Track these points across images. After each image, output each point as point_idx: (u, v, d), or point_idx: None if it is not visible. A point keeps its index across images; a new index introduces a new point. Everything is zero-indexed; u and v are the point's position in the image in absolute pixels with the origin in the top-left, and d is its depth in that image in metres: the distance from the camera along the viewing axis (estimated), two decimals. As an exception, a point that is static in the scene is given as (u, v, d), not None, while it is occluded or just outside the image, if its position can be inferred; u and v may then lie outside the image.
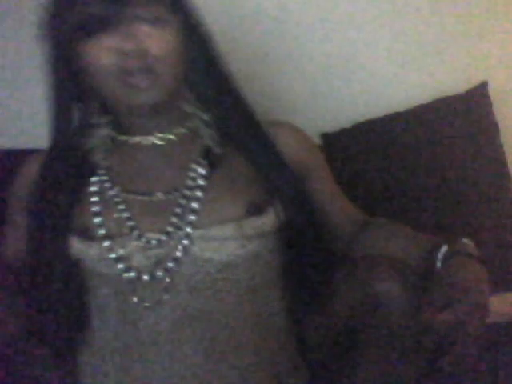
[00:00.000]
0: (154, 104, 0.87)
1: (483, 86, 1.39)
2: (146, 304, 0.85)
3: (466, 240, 0.88)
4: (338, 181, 1.03)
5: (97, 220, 0.88)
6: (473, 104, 1.38)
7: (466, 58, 1.44)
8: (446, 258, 0.85)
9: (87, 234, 0.88)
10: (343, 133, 1.40)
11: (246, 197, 0.89)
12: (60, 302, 0.89)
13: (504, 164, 1.36)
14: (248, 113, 0.95)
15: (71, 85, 0.90)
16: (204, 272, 0.86)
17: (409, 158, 1.34)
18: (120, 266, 0.86)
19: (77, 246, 0.88)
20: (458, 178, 1.33)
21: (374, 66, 1.44)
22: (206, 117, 0.92)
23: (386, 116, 1.39)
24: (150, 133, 0.92)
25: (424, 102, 1.39)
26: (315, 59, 1.44)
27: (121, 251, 0.86)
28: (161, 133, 0.92)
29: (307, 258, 0.94)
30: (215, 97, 0.93)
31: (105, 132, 0.92)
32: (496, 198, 1.32)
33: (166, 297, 0.85)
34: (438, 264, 0.86)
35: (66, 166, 0.93)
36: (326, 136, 1.41)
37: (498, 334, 1.14)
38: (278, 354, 0.91)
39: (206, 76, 0.92)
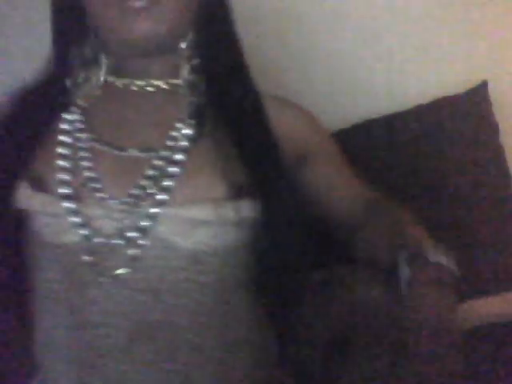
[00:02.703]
0: (152, 37, 0.75)
1: (483, 86, 1.39)
2: (101, 279, 0.71)
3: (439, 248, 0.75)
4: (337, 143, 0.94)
5: (61, 163, 0.75)
6: (473, 104, 1.37)
7: (466, 58, 1.44)
8: (410, 283, 0.72)
9: (41, 181, 0.74)
10: (343, 133, 1.40)
11: (227, 175, 0.75)
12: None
13: (504, 164, 1.35)
14: (246, 77, 0.85)
15: (72, 21, 0.80)
16: (166, 267, 0.72)
17: (409, 158, 1.34)
18: (73, 219, 0.71)
19: (26, 195, 0.74)
20: (458, 177, 1.33)
21: (374, 66, 1.44)
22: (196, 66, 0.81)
23: (385, 116, 1.39)
24: (141, 78, 0.81)
25: (424, 102, 1.38)
26: (315, 59, 1.44)
27: (78, 209, 0.72)
28: (154, 79, 0.81)
29: (284, 258, 0.80)
30: (220, 53, 0.83)
31: (93, 71, 0.81)
32: (496, 198, 1.32)
33: (127, 278, 0.71)
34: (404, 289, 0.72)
35: (36, 103, 0.81)
36: (325, 136, 1.41)
37: (497, 333, 1.14)
38: (251, 372, 0.79)
39: (215, 26, 0.82)
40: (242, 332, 0.78)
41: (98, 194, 0.73)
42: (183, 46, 0.81)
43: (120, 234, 0.72)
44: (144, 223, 0.72)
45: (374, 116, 1.39)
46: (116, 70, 0.83)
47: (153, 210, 0.72)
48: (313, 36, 1.43)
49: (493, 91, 1.38)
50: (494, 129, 1.36)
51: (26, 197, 0.74)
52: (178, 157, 0.75)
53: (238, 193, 0.75)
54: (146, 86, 0.81)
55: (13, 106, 0.82)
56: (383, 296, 0.76)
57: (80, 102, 0.80)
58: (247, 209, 0.75)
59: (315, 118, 0.90)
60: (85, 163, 0.75)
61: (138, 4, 0.73)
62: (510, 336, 1.15)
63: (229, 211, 0.73)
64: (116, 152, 0.76)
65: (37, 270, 0.77)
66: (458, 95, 1.38)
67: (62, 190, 0.73)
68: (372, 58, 1.44)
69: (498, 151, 1.35)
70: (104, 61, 0.82)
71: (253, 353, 0.80)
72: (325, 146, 0.90)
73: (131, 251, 0.72)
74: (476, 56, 1.44)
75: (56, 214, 0.73)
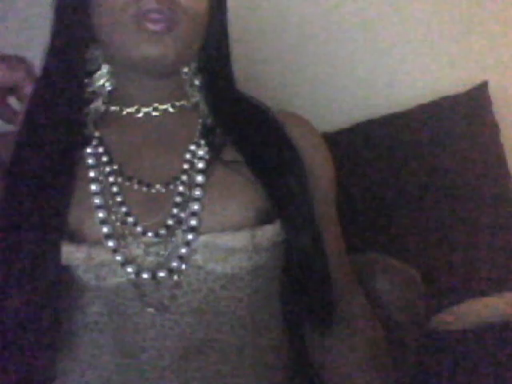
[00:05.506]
0: (166, 62, 0.74)
1: (483, 86, 1.39)
2: (150, 310, 0.72)
3: None
4: (337, 181, 0.90)
5: (97, 201, 0.72)
6: (473, 104, 1.38)
7: (466, 58, 1.44)
8: None
9: (79, 229, 0.72)
10: (343, 133, 1.40)
11: (254, 200, 0.76)
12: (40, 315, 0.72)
13: (504, 164, 1.36)
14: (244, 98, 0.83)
15: (79, 31, 0.77)
16: (207, 289, 0.74)
17: (409, 158, 1.34)
18: (128, 269, 0.70)
19: (68, 251, 0.71)
20: (458, 178, 1.33)
21: (374, 66, 1.45)
22: (200, 86, 0.80)
23: (385, 116, 1.39)
24: (146, 104, 0.80)
25: (424, 102, 1.39)
26: (315, 59, 1.44)
27: (123, 248, 0.71)
28: (159, 104, 0.80)
29: (307, 272, 0.82)
30: (217, 76, 0.82)
31: (96, 102, 0.78)
32: (496, 198, 1.32)
33: (172, 304, 0.72)
34: None
35: (46, 137, 0.76)
36: (325, 136, 1.41)
37: (498, 334, 1.14)
38: (279, 379, 0.81)
39: (217, 55, 0.82)
40: (271, 337, 0.80)
41: (137, 229, 0.73)
42: (186, 69, 0.81)
43: (163, 265, 0.73)
44: (183, 250, 0.73)
45: (373, 116, 1.39)
46: (119, 98, 0.81)
47: (189, 237, 0.73)
48: (312, 36, 1.43)
49: (493, 91, 1.38)
50: (494, 129, 1.36)
51: (69, 253, 0.72)
52: (198, 179, 0.75)
53: (265, 218, 0.76)
54: (153, 112, 0.80)
55: (20, 144, 0.77)
56: (396, 288, 0.82)
57: (96, 132, 0.78)
58: (277, 233, 0.76)
59: (322, 139, 0.90)
60: (118, 198, 0.74)
61: (154, 27, 0.73)
62: (510, 336, 1.15)
63: (262, 239, 0.74)
64: (144, 189, 0.75)
65: (76, 308, 0.76)
66: (458, 95, 1.38)
67: (105, 230, 0.72)
68: (372, 58, 1.45)
69: (498, 151, 1.36)
70: (107, 79, 0.80)
71: (279, 355, 0.82)
72: (323, 174, 0.87)
73: (174, 279, 0.73)
74: (476, 56, 1.44)
75: (100, 262, 0.72)
